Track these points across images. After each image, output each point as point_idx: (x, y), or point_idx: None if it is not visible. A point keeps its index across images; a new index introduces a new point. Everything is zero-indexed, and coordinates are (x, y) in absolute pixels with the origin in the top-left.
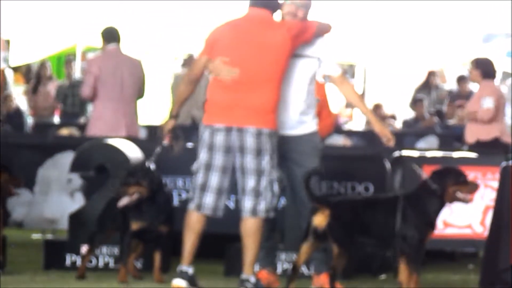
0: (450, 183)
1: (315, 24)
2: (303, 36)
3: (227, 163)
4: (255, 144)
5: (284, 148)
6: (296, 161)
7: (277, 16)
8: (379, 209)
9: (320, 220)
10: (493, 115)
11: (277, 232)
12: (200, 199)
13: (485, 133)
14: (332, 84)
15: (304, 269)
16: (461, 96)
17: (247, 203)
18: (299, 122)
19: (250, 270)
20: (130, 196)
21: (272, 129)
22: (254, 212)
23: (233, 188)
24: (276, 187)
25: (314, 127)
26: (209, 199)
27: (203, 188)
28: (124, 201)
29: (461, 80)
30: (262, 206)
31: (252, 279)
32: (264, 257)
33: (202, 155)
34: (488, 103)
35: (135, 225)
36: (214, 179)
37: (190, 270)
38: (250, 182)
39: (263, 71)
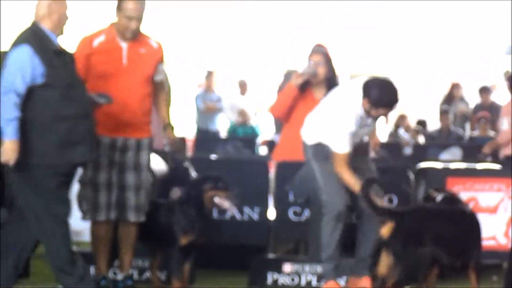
0: None
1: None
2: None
3: None
4: None
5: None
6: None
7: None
8: (447, 220)
9: (385, 231)
10: (509, 135)
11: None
12: None
13: (508, 149)
14: None
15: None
16: (484, 107)
17: None
18: None
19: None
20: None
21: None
22: None
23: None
24: None
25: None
26: None
27: None
28: (226, 205)
29: (483, 91)
30: None
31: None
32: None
33: None
34: (504, 125)
35: (184, 239)
36: None
37: None
38: None
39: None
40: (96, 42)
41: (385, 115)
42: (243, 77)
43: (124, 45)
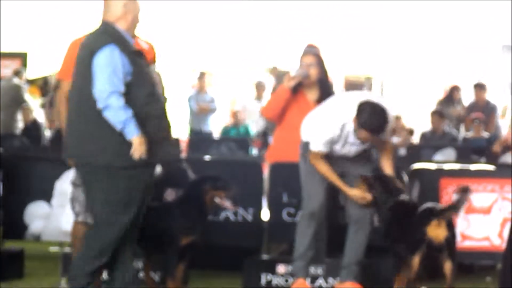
0: None
1: None
2: None
3: None
4: None
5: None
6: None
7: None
8: None
9: (438, 232)
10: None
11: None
12: None
13: None
14: None
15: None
16: (478, 106)
17: None
18: None
19: None
20: (227, 200)
21: None
22: None
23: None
24: None
25: None
26: None
27: None
28: (227, 204)
29: (477, 87)
30: None
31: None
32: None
33: None
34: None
35: (185, 240)
36: None
37: None
38: None
39: None
40: None
41: (366, 139)
42: (260, 78)
43: None
